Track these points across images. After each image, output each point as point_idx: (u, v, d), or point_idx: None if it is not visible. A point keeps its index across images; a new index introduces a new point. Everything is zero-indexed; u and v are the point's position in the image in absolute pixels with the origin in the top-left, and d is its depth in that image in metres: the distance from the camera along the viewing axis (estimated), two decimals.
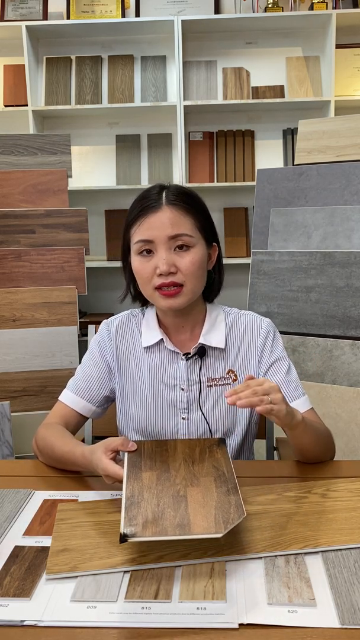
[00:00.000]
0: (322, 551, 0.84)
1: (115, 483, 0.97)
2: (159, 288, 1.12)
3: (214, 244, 1.20)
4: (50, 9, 3.06)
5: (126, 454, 0.99)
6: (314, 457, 1.14)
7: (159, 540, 0.79)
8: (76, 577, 0.79)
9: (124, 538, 0.77)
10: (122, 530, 0.78)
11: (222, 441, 1.08)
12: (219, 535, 0.78)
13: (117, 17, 3.03)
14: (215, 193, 3.17)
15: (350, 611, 0.71)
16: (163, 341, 1.21)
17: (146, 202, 1.12)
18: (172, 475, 0.94)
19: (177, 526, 0.80)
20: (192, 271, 1.12)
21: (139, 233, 1.12)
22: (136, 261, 1.14)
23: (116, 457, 0.99)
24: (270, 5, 2.98)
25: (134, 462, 0.97)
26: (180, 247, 1.11)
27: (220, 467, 0.97)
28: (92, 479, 1.08)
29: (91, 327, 1.56)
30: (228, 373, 1.22)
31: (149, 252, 1.12)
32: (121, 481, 0.92)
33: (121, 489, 0.91)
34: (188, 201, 1.13)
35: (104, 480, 0.98)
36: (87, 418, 1.26)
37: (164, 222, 1.10)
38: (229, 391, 0.93)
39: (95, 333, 1.30)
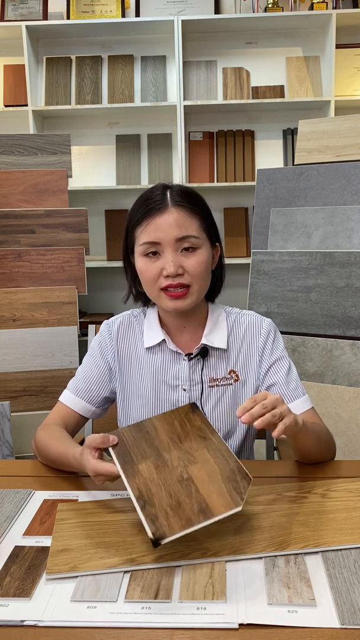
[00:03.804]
0: (322, 551, 0.84)
1: (105, 483, 0.96)
2: (165, 289, 1.12)
3: (217, 243, 1.20)
4: (50, 9, 3.06)
5: (111, 450, 0.97)
6: (315, 459, 1.14)
7: (187, 533, 0.79)
8: (76, 577, 0.79)
9: (157, 542, 0.76)
10: (151, 535, 0.77)
11: (193, 406, 1.07)
12: (240, 508, 0.79)
13: (117, 17, 3.03)
14: (215, 193, 3.17)
15: (350, 611, 0.71)
16: (165, 342, 1.21)
17: (151, 203, 1.12)
18: (166, 459, 0.93)
19: (199, 513, 0.80)
20: (199, 272, 1.12)
21: (145, 235, 1.12)
22: (141, 262, 1.14)
23: (103, 455, 0.98)
24: (270, 5, 2.98)
25: (123, 457, 0.95)
26: (187, 248, 1.12)
27: (206, 435, 0.97)
28: (92, 478, 1.08)
29: (91, 327, 1.56)
30: (230, 373, 1.22)
31: (155, 253, 1.12)
32: (113, 478, 0.93)
33: (119, 489, 0.91)
34: (193, 202, 1.14)
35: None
36: (87, 419, 1.26)
37: (170, 223, 1.10)
38: (239, 410, 0.92)
39: (96, 333, 1.30)
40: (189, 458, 0.92)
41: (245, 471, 0.86)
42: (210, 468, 0.88)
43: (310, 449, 1.11)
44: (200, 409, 1.19)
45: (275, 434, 0.91)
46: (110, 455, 0.98)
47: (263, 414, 0.90)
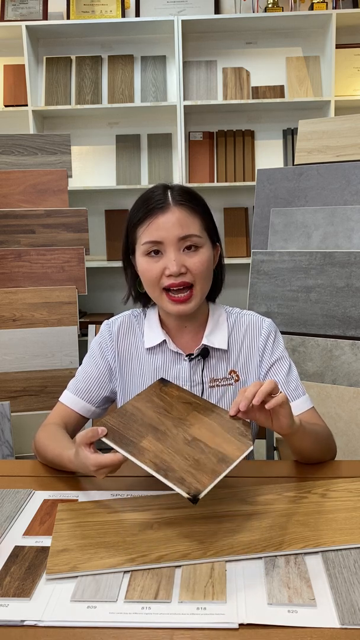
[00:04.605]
0: (322, 551, 0.84)
1: (105, 482, 0.96)
2: (167, 289, 1.12)
3: (217, 243, 1.21)
4: (50, 9, 3.06)
5: (105, 439, 0.96)
6: (313, 459, 1.14)
7: (218, 482, 0.82)
8: (76, 577, 0.79)
9: (195, 499, 0.79)
10: (186, 495, 0.79)
11: (163, 380, 1.08)
12: (251, 447, 0.86)
13: (117, 17, 3.03)
14: (215, 193, 3.17)
15: (350, 611, 0.71)
16: (166, 342, 1.21)
17: (152, 203, 1.12)
18: (164, 430, 0.93)
19: (219, 462, 0.83)
20: (201, 271, 1.12)
21: (148, 234, 1.11)
22: (143, 262, 1.14)
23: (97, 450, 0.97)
24: (270, 5, 2.98)
25: (122, 441, 0.93)
26: (189, 247, 1.12)
27: (189, 400, 0.99)
28: (92, 479, 1.08)
29: (91, 327, 1.57)
30: (230, 373, 1.22)
31: (157, 252, 1.12)
32: (117, 467, 0.93)
33: (119, 489, 0.90)
34: (194, 201, 1.14)
35: (100, 479, 0.97)
36: (88, 419, 1.26)
37: (173, 222, 1.10)
38: (232, 409, 0.93)
39: (96, 333, 1.30)
40: (184, 423, 0.93)
41: (241, 418, 0.89)
42: (208, 425, 0.90)
43: (308, 450, 1.11)
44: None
45: (267, 405, 0.92)
46: (102, 450, 0.97)
47: (256, 392, 0.92)
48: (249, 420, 0.87)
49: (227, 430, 0.87)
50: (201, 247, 1.13)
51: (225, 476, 0.84)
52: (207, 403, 0.97)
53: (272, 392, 0.93)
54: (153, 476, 0.85)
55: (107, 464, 0.92)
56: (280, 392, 0.95)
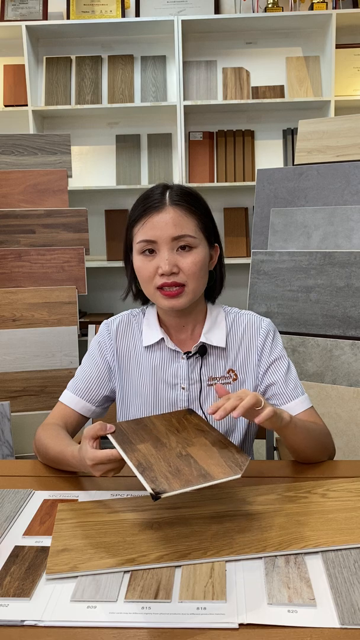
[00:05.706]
0: (322, 551, 0.84)
1: (105, 482, 0.96)
2: (160, 288, 1.12)
3: (216, 244, 1.21)
4: (50, 9, 3.06)
5: (110, 436, 0.98)
6: (308, 457, 1.14)
7: (187, 491, 0.80)
8: (76, 577, 0.79)
9: (156, 496, 0.78)
10: (150, 490, 0.79)
11: (190, 411, 1.10)
12: (239, 476, 0.82)
13: (117, 17, 3.03)
14: (215, 193, 3.17)
15: (350, 611, 0.71)
16: (164, 340, 1.21)
17: (149, 202, 1.12)
18: (165, 442, 0.95)
19: (199, 476, 0.82)
20: (193, 272, 1.12)
21: (142, 233, 1.12)
22: (138, 260, 1.14)
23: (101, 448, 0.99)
24: (270, 5, 2.98)
25: (122, 440, 0.96)
26: (183, 247, 1.12)
27: (204, 429, 1.00)
28: (92, 479, 1.08)
29: (91, 327, 1.57)
30: (228, 372, 1.22)
31: (151, 251, 1.12)
32: (113, 468, 0.94)
33: (119, 489, 0.91)
34: (191, 201, 1.14)
35: (100, 479, 0.98)
36: (88, 418, 1.26)
37: (167, 222, 1.10)
38: (211, 407, 0.94)
39: (95, 333, 1.31)
40: (187, 442, 0.95)
41: (244, 453, 0.89)
42: (209, 450, 0.91)
43: (301, 446, 1.11)
44: (200, 409, 1.19)
45: (256, 419, 0.93)
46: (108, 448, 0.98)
47: (236, 406, 0.92)
48: (250, 457, 0.88)
49: (224, 457, 0.89)
50: (195, 248, 1.13)
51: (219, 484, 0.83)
52: (220, 435, 0.98)
53: (256, 406, 0.94)
54: None
55: (102, 458, 0.93)
56: (269, 406, 0.96)
